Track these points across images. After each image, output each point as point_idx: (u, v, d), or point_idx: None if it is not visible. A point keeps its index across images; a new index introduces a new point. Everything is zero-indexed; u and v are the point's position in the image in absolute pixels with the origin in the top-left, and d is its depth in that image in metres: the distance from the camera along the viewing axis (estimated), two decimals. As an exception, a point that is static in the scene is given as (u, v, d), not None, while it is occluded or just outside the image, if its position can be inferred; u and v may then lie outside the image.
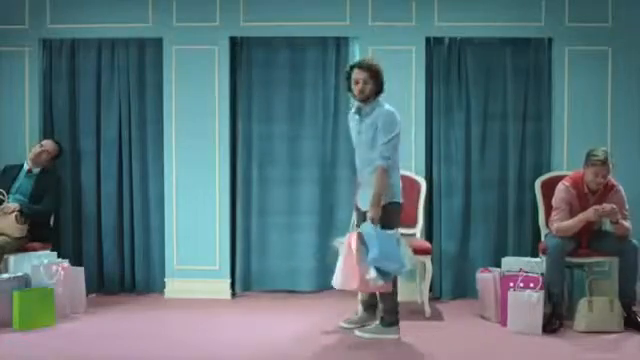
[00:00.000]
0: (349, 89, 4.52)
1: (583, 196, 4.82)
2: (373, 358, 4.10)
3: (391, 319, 4.48)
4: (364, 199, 4.43)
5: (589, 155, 4.77)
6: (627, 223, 4.75)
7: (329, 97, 5.75)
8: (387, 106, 4.46)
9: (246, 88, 5.77)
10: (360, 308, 4.81)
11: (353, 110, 4.60)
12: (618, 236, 4.74)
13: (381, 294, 4.43)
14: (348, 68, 4.53)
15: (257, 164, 5.78)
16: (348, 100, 5.72)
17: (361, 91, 4.41)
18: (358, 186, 4.60)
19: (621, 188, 4.86)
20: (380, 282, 4.16)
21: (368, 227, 4.23)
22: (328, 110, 5.76)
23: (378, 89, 4.44)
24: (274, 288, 5.80)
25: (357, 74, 4.42)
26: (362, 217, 4.45)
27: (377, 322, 4.55)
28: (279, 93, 5.76)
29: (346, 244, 4.26)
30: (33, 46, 5.74)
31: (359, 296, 4.83)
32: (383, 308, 4.50)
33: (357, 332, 4.54)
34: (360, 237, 4.21)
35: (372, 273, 4.12)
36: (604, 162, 4.70)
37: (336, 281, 4.32)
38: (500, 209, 5.66)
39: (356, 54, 5.67)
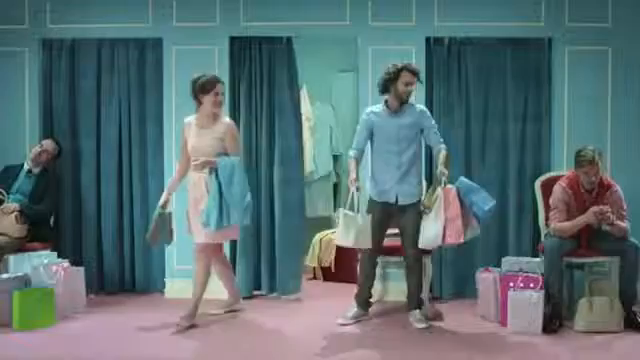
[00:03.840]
0: (385, 88, 4.76)
1: (580, 196, 4.82)
2: (372, 357, 4.10)
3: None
4: (407, 193, 4.77)
5: (577, 156, 4.77)
6: (624, 223, 4.75)
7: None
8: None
9: (246, 87, 5.77)
10: (354, 304, 4.94)
11: (382, 110, 4.81)
12: (617, 236, 4.74)
13: (418, 283, 4.84)
14: (395, 69, 4.71)
15: (257, 164, 5.78)
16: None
17: (410, 93, 4.79)
18: (391, 181, 4.76)
19: (618, 188, 4.86)
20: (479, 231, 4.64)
21: (464, 180, 4.65)
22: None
23: None
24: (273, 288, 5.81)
25: (410, 77, 4.72)
26: (396, 212, 4.77)
27: (418, 310, 4.83)
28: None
29: (445, 200, 4.49)
30: (33, 46, 5.75)
31: (355, 291, 4.94)
32: (418, 293, 4.85)
33: (418, 325, 4.74)
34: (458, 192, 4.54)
35: (475, 223, 4.58)
36: (591, 161, 4.68)
37: (435, 240, 4.52)
38: (500, 209, 5.64)
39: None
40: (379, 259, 5.04)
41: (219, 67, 5.65)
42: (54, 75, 5.81)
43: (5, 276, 4.76)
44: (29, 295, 4.64)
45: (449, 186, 4.54)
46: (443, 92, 5.68)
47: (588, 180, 4.75)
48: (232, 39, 5.70)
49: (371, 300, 4.99)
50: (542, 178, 5.42)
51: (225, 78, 5.65)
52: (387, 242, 5.04)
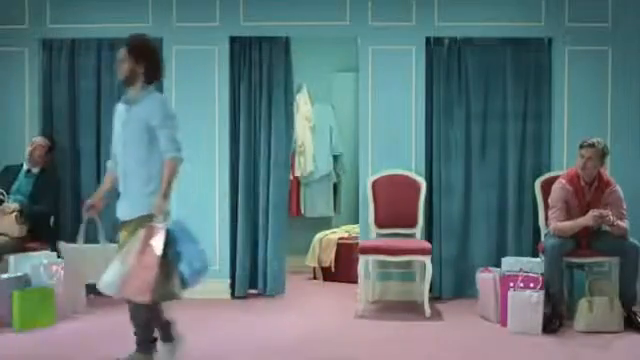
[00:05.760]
0: None
1: (580, 190, 4.82)
2: (372, 357, 4.10)
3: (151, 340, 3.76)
4: (126, 206, 3.75)
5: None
6: (624, 223, 4.75)
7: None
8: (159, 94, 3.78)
9: (246, 87, 5.76)
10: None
11: (124, 100, 3.82)
12: (617, 236, 4.74)
13: (139, 313, 3.63)
14: None
15: (257, 164, 5.77)
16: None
17: (123, 72, 3.66)
18: (121, 191, 3.78)
19: (618, 187, 4.86)
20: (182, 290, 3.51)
21: (180, 223, 3.60)
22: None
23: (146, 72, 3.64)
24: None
25: (120, 54, 3.67)
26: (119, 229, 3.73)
27: (135, 351, 3.69)
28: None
29: (144, 240, 3.41)
30: (33, 46, 5.75)
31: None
32: (144, 331, 3.71)
33: None
34: (167, 235, 3.46)
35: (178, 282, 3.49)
36: (590, 145, 4.73)
37: (110, 287, 3.41)
38: (500, 209, 5.65)
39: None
40: None
41: (219, 67, 5.65)
42: (54, 75, 5.82)
43: (5, 276, 4.76)
44: (29, 295, 4.64)
45: (158, 225, 3.47)
46: (443, 92, 5.67)
47: (582, 163, 4.74)
48: (232, 39, 5.70)
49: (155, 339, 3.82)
50: (542, 178, 5.42)
51: (225, 78, 5.67)
52: (386, 242, 5.05)
